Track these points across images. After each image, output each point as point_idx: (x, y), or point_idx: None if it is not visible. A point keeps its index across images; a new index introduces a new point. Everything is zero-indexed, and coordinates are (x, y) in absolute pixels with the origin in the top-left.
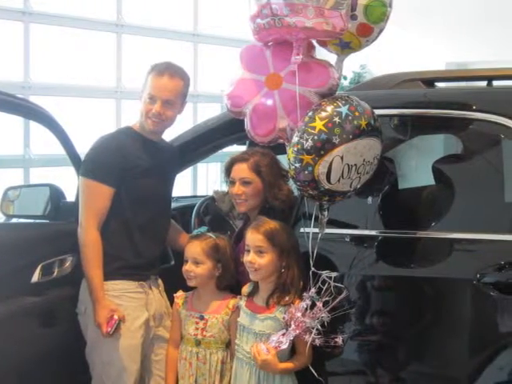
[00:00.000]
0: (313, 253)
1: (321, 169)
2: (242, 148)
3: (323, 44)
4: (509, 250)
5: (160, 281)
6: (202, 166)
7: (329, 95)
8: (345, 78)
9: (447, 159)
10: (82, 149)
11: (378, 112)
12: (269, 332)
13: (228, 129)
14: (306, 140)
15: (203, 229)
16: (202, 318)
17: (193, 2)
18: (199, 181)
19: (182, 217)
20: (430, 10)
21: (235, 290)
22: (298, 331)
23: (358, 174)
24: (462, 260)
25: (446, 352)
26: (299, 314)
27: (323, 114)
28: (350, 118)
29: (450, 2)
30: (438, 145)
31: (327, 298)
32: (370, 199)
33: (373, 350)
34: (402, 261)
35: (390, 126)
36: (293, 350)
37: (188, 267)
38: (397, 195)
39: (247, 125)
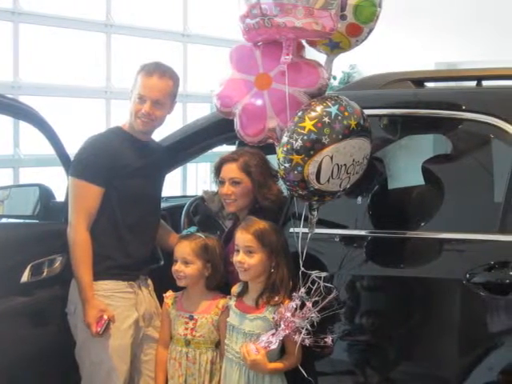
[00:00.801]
0: (302, 253)
1: (310, 169)
2: (232, 148)
3: (313, 44)
4: (498, 249)
5: (149, 281)
6: (191, 166)
7: (318, 95)
8: (334, 77)
9: (437, 159)
10: (72, 149)
11: (367, 112)
12: (258, 332)
13: (217, 129)
14: (296, 140)
15: (193, 229)
16: (191, 317)
17: (182, 1)
18: (189, 181)
19: (171, 217)
20: (419, 10)
21: (225, 290)
22: (287, 331)
23: (347, 174)
24: (451, 260)
25: (435, 352)
26: (289, 314)
27: (313, 114)
28: (340, 117)
29: (440, 3)
30: (427, 145)
31: (317, 298)
32: (359, 199)
33: (362, 350)
34: (391, 261)
35: (380, 126)
36: (282, 350)
37: (177, 267)
38: (386, 195)
39: (237, 125)
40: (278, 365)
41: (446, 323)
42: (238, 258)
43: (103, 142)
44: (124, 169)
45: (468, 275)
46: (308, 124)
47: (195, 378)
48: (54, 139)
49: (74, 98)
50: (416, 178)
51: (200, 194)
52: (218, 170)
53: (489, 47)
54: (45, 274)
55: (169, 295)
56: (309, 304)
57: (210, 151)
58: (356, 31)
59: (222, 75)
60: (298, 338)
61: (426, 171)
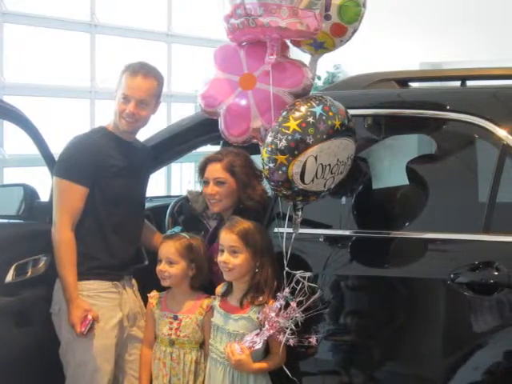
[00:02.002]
0: (287, 253)
1: (295, 169)
2: (216, 148)
3: (297, 44)
4: (482, 250)
5: (134, 281)
6: (176, 166)
7: (303, 95)
8: (319, 78)
9: (421, 159)
10: (56, 149)
11: (351, 112)
12: (243, 332)
13: (202, 129)
14: (280, 140)
15: (177, 229)
16: (175, 318)
17: (166, 1)
18: (173, 181)
19: (155, 217)
20: (404, 11)
21: (209, 290)
22: (271, 331)
23: (331, 174)
24: (436, 260)
25: (420, 352)
26: (273, 314)
27: (297, 114)
28: (324, 117)
29: (424, 3)
30: (411, 145)
31: (301, 298)
32: (343, 199)
33: (347, 350)
34: (376, 261)
35: (364, 126)
36: (267, 350)
37: (162, 267)
38: (371, 195)
39: (221, 125)
40: (263, 365)
41: (430, 323)
42: (223, 258)
43: (87, 142)
44: (108, 169)
45: (452, 275)
46: (292, 124)
47: (179, 378)
48: (39, 139)
49: (58, 98)
50: (400, 178)
51: (184, 194)
52: (202, 170)
53: (473, 47)
54: (29, 273)
55: (153, 295)
56: (293, 304)
57: (194, 151)
58: (340, 31)
59: (206, 75)
60: (282, 338)
61: (410, 171)
